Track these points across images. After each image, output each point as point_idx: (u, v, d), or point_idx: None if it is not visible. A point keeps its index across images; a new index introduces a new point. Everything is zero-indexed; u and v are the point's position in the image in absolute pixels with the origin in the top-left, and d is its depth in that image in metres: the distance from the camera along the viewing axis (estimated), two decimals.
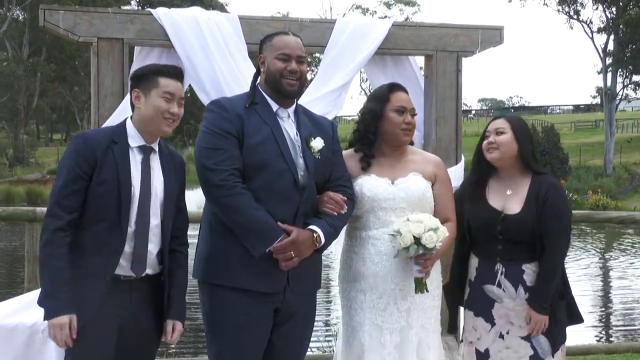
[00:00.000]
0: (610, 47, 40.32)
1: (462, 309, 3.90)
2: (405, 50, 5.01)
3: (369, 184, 3.49)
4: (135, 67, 4.59)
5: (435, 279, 3.59)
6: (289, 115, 3.32)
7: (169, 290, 3.19)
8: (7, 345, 3.76)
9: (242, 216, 3.08)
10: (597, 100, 58.58)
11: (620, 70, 40.76)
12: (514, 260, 3.60)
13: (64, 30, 4.47)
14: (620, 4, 38.88)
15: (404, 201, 3.48)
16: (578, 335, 6.86)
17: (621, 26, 39.28)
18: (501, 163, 3.67)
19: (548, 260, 3.55)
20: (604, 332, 9.22)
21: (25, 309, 3.85)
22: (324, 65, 4.89)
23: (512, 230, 3.58)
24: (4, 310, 3.90)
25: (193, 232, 3.43)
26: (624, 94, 43.04)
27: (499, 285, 3.62)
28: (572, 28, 43.04)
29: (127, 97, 4.33)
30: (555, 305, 3.59)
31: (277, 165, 3.16)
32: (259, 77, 3.37)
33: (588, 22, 41.04)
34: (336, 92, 4.83)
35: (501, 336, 3.64)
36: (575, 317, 3.73)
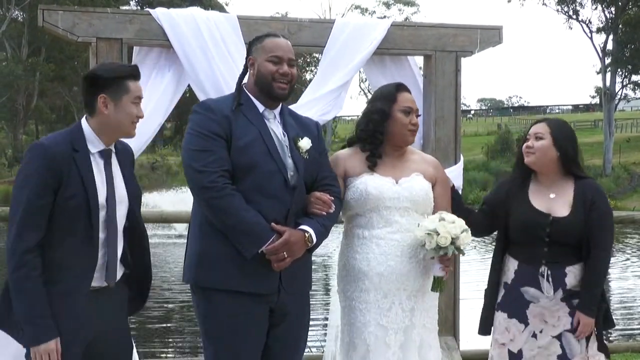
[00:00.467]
0: (610, 46, 40.37)
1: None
2: (404, 50, 5.01)
3: (373, 183, 3.49)
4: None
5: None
6: (275, 116, 3.30)
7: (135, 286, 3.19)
8: (7, 345, 3.75)
9: (232, 218, 3.05)
10: (596, 100, 58.64)
11: (619, 70, 40.79)
12: (558, 263, 3.62)
13: (63, 31, 4.47)
14: (619, 3, 38.90)
15: (408, 201, 3.49)
16: None
17: (620, 26, 39.31)
18: (539, 167, 3.68)
19: (596, 263, 3.59)
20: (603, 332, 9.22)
21: None
22: (323, 66, 4.89)
23: (561, 233, 3.59)
24: None
25: (184, 232, 3.41)
26: (623, 94, 43.11)
27: (542, 289, 3.62)
28: (571, 28, 43.03)
29: None
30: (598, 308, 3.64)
31: (267, 166, 3.15)
32: (245, 78, 3.34)
33: (587, 21, 41.12)
34: (335, 92, 4.83)
35: (534, 335, 3.65)
36: (609, 322, 3.75)
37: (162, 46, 4.61)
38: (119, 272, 3.11)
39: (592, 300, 3.58)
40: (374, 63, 5.01)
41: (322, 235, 3.23)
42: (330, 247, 16.13)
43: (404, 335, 3.47)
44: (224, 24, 4.62)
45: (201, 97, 4.52)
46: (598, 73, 42.44)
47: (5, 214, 5.10)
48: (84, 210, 2.91)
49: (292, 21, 4.94)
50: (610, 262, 3.72)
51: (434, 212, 3.55)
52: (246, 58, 3.36)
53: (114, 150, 3.10)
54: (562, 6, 41.23)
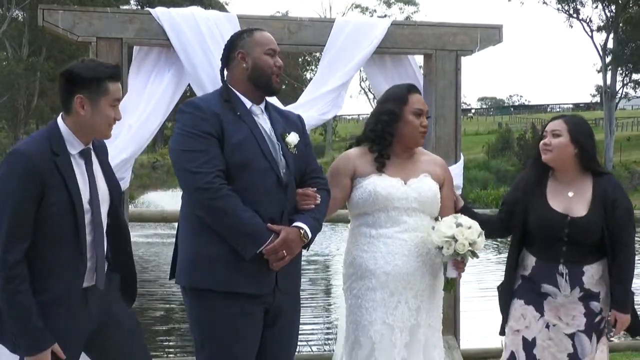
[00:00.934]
0: (610, 45, 40.33)
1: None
2: (404, 50, 5.01)
3: (382, 183, 3.50)
4: (133, 68, 4.59)
5: (442, 278, 3.63)
6: (262, 112, 3.27)
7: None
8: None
9: (231, 219, 3.00)
10: (597, 99, 58.59)
11: (619, 68, 40.76)
12: (576, 262, 3.62)
13: (63, 30, 4.47)
14: (620, 2, 38.85)
15: (417, 201, 3.51)
16: None
17: (621, 24, 39.29)
18: (557, 165, 3.67)
19: (624, 260, 3.59)
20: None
21: None
22: (323, 65, 4.89)
23: (579, 233, 3.59)
24: None
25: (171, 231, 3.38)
26: (624, 93, 43.07)
27: (559, 287, 3.63)
28: (571, 27, 42.95)
29: (127, 96, 4.36)
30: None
31: (260, 164, 3.11)
32: (229, 74, 3.26)
33: (587, 20, 41.05)
34: (335, 91, 4.83)
35: (547, 326, 3.65)
36: (637, 328, 3.76)
37: (162, 46, 4.61)
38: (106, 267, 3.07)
39: (624, 296, 3.60)
40: (374, 62, 5.01)
41: (316, 229, 3.21)
42: (333, 248, 16.16)
43: (409, 334, 3.48)
44: (224, 23, 4.61)
45: None
46: (599, 72, 42.41)
47: None
48: (69, 215, 2.83)
49: (293, 20, 4.94)
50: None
51: (440, 213, 3.58)
52: (229, 52, 3.26)
53: (91, 147, 3.02)
54: (563, 5, 41.18)
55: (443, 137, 5.02)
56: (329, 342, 7.49)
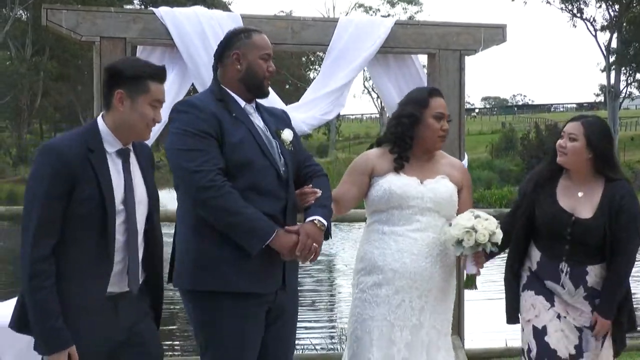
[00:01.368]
0: (614, 45, 40.28)
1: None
2: (407, 49, 5.01)
3: (398, 182, 3.51)
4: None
5: (454, 282, 3.65)
6: (254, 110, 3.26)
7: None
8: (11, 345, 3.76)
9: (234, 216, 2.97)
10: (601, 99, 58.46)
11: (623, 68, 40.73)
12: (579, 262, 3.63)
13: (67, 30, 4.47)
14: (623, 1, 38.81)
15: (432, 201, 3.51)
16: None
17: (624, 24, 39.26)
18: (570, 167, 3.67)
19: (618, 266, 3.60)
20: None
21: None
22: (326, 64, 4.89)
23: (582, 234, 3.60)
24: (7, 309, 3.90)
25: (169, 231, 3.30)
26: (628, 92, 43.08)
27: (561, 284, 3.64)
28: (575, 26, 42.96)
29: None
30: (619, 309, 3.65)
31: (260, 162, 3.10)
32: (221, 71, 3.25)
33: (591, 20, 41.04)
34: (338, 90, 4.83)
35: (558, 317, 3.66)
36: (633, 324, 3.76)
37: (166, 45, 4.61)
38: (141, 277, 2.98)
39: (610, 304, 3.61)
40: (377, 62, 5.01)
41: (328, 216, 3.20)
42: (336, 248, 16.16)
43: (410, 334, 3.48)
44: (228, 23, 4.61)
45: None
46: (602, 71, 42.42)
47: (10, 213, 5.08)
48: (99, 213, 2.78)
49: (296, 20, 4.94)
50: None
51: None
52: (224, 49, 3.24)
53: (132, 149, 2.96)
54: (566, 4, 41.17)
55: (447, 137, 4.99)
56: (333, 342, 7.48)
